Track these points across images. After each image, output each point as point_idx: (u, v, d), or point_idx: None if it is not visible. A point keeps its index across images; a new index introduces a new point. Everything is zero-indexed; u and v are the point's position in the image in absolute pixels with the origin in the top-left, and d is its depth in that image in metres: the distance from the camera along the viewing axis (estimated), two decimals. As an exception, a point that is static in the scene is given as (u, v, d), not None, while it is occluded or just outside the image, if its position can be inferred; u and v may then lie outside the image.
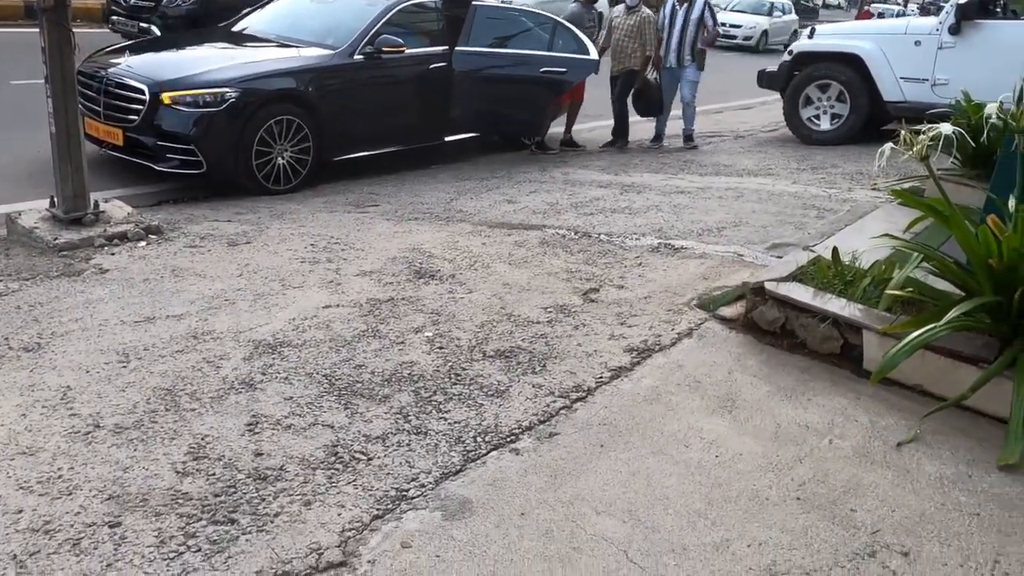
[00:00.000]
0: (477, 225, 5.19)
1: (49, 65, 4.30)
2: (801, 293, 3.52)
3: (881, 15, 27.90)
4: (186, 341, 3.28)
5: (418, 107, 6.98)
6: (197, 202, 5.65)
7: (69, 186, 4.49)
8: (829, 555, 2.24)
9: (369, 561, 2.11)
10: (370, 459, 2.55)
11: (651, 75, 8.31)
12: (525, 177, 6.86)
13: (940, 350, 3.04)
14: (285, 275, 4.06)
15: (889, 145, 3.10)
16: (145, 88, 5.58)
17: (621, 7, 8.40)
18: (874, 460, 2.70)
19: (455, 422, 2.79)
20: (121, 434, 2.60)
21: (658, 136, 8.68)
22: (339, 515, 2.28)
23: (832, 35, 9.03)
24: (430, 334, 3.46)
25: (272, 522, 2.23)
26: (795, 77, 8.81)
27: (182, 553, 2.09)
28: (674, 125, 8.75)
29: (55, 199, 4.56)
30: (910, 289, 3.19)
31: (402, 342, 3.37)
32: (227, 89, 5.63)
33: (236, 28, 7.22)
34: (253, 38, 6.85)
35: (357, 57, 6.39)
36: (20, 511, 2.21)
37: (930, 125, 3.05)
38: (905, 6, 34.49)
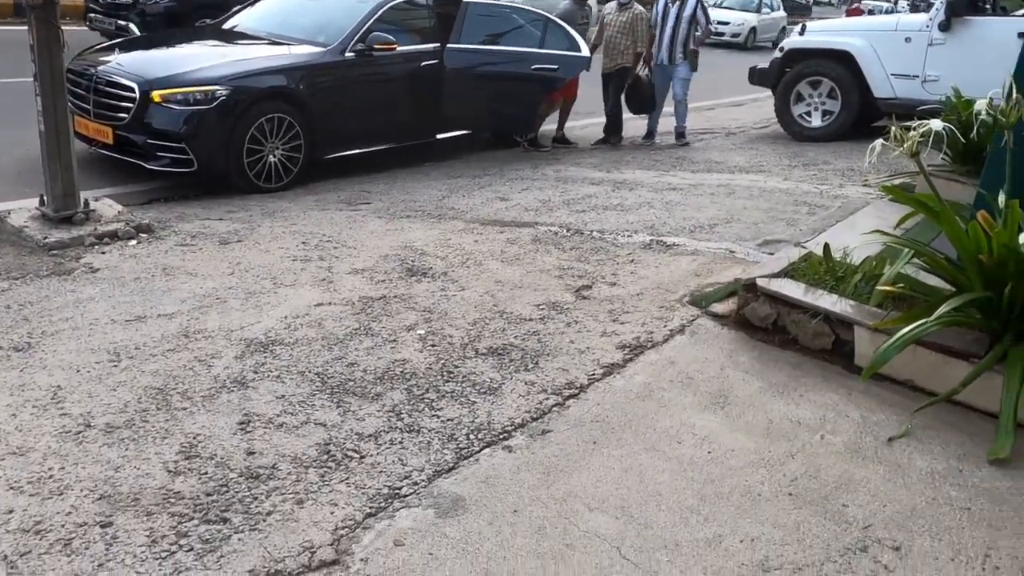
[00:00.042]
0: (469, 223, 5.18)
1: (38, 62, 4.27)
2: (792, 289, 3.52)
3: (871, 12, 27.98)
4: (177, 340, 3.27)
5: (409, 105, 6.97)
6: (188, 200, 5.62)
7: (59, 185, 4.47)
8: (821, 550, 2.25)
9: (362, 559, 2.11)
10: (363, 457, 2.55)
11: (642, 72, 8.32)
12: (517, 174, 6.85)
13: (931, 345, 3.05)
14: (277, 273, 4.05)
15: (880, 141, 3.10)
16: (135, 86, 5.56)
17: (613, 4, 8.40)
18: (866, 455, 2.71)
19: (448, 420, 2.79)
20: (112, 433, 2.59)
21: (650, 133, 8.69)
22: (332, 513, 2.28)
23: (823, 32, 9.05)
24: (422, 332, 3.46)
25: (264, 521, 2.23)
26: (786, 74, 8.83)
27: (174, 552, 2.08)
28: (666, 122, 8.75)
29: (44, 198, 4.54)
30: (901, 285, 3.20)
31: (394, 340, 3.37)
32: (218, 87, 5.60)
33: (227, 26, 7.19)
34: (244, 36, 6.82)
35: (348, 55, 6.37)
36: (11, 511, 2.20)
37: (920, 121, 3.06)
38: (895, 3, 34.56)
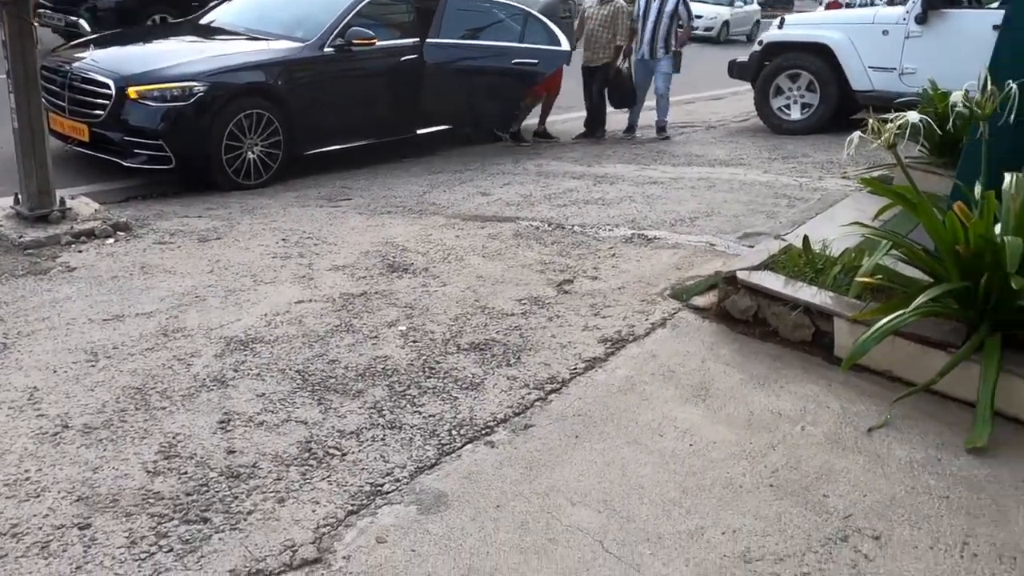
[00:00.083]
0: (450, 218, 5.17)
1: (10, 59, 4.22)
2: (773, 282, 3.54)
3: (850, 5, 28.12)
4: (156, 339, 3.24)
5: (389, 100, 6.94)
6: (166, 198, 5.57)
7: (33, 183, 4.42)
8: (802, 540, 2.27)
9: (344, 557, 2.10)
10: (344, 454, 2.54)
11: (623, 65, 8.33)
12: (498, 169, 6.84)
13: (909, 336, 3.08)
14: (256, 271, 4.02)
15: (857, 134, 3.12)
16: (111, 82, 5.49)
17: (594, -3, 8.40)
18: (846, 446, 2.73)
19: (430, 416, 2.78)
20: (90, 434, 2.56)
21: (631, 127, 8.71)
22: (313, 511, 2.26)
23: (801, 25, 9.09)
24: (404, 328, 3.45)
25: (245, 520, 2.21)
26: (765, 67, 8.86)
27: (153, 553, 2.07)
28: (647, 116, 8.77)
29: (19, 196, 4.48)
30: (879, 276, 3.22)
31: (376, 336, 3.36)
32: (195, 83, 5.55)
33: (204, 21, 7.12)
34: (221, 31, 6.76)
35: (327, 50, 6.33)
36: (-13, 514, 2.18)
37: (897, 114, 3.08)
38: (873, -4, 34.76)
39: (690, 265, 4.31)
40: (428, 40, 6.99)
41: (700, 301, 3.80)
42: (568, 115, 9.10)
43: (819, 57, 8.46)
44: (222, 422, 2.67)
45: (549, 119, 8.60)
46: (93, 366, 3.00)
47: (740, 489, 2.48)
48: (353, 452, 2.55)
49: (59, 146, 5.75)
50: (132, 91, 5.44)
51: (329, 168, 6.48)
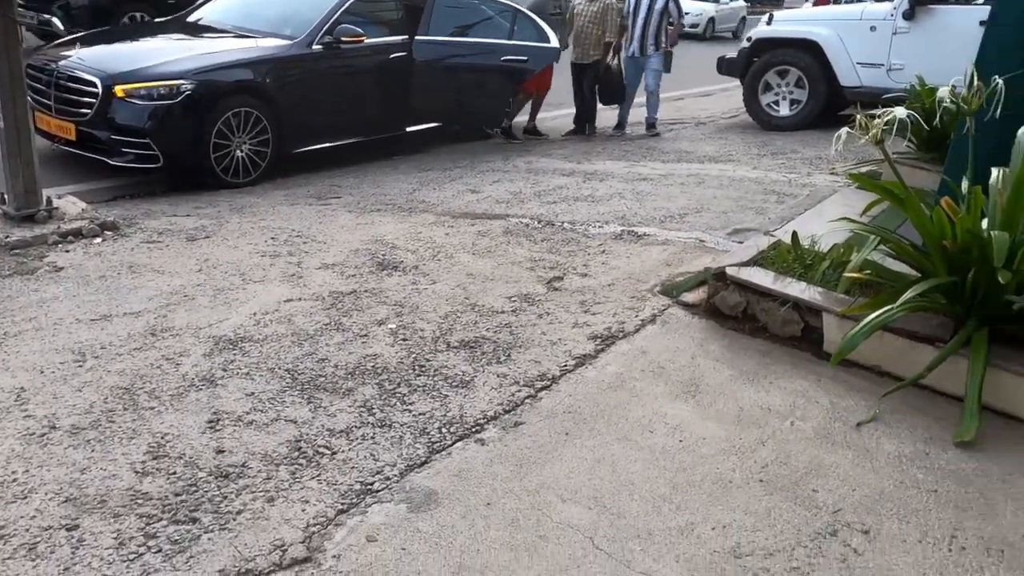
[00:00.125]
0: (440, 215, 5.16)
1: (-5, 58, 4.19)
2: (762, 277, 3.55)
3: (838, 1, 28.19)
4: (144, 338, 3.22)
5: (378, 98, 6.92)
6: (154, 197, 5.55)
7: (20, 182, 4.39)
8: (792, 535, 2.27)
9: (334, 556, 2.10)
10: (334, 453, 2.53)
11: (612, 62, 8.32)
12: (488, 166, 6.84)
13: (897, 331, 3.09)
14: (245, 269, 4.01)
15: (845, 130, 3.13)
16: (97, 81, 5.47)
17: (583, -6, 8.39)
18: (835, 441, 2.74)
19: (420, 414, 2.78)
20: (78, 435, 2.55)
21: (620, 124, 8.71)
22: (303, 511, 2.26)
23: (790, 21, 9.11)
24: (393, 326, 3.44)
25: (235, 520, 2.20)
26: (754, 63, 8.88)
27: (142, 554, 2.06)
28: (637, 113, 8.78)
29: (5, 196, 4.45)
30: (868, 271, 3.23)
31: (365, 335, 3.35)
32: (182, 81, 5.53)
33: (191, 18, 7.09)
34: (209, 28, 6.73)
35: (316, 47, 6.31)
36: (-27, 516, 2.16)
37: (884, 110, 3.09)
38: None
39: (680, 261, 4.32)
40: (417, 37, 6.98)
41: (690, 297, 3.81)
42: (558, 112, 9.10)
43: (808, 53, 8.48)
44: (211, 422, 2.66)
45: (539, 116, 8.59)
46: (81, 366, 2.98)
47: (730, 485, 2.48)
48: (343, 451, 2.55)
49: (46, 145, 5.71)
50: (119, 89, 5.42)
51: (318, 166, 6.46)
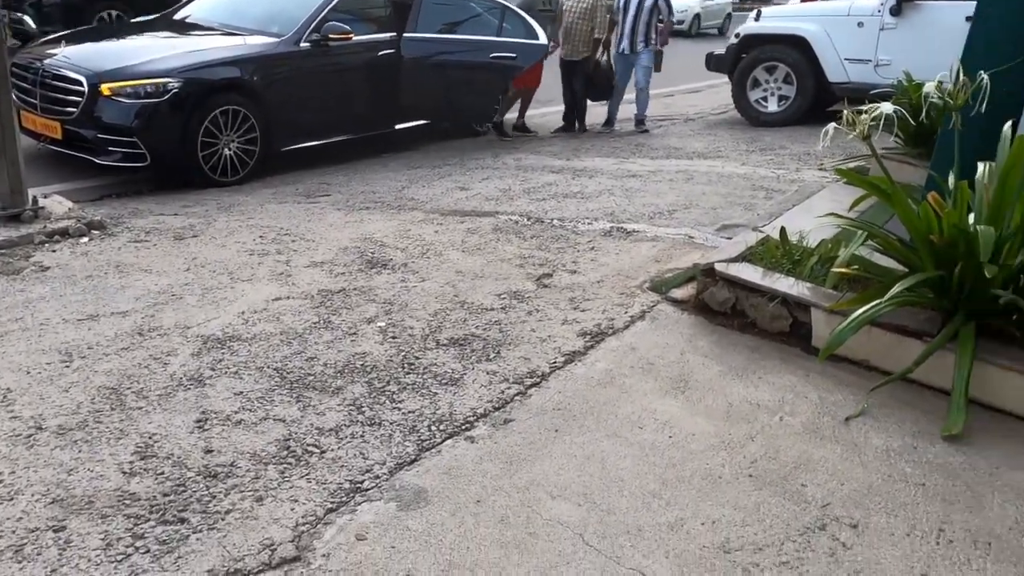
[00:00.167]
0: (429, 213, 5.15)
1: (-21, 56, 4.15)
2: (750, 273, 3.56)
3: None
4: (132, 338, 3.21)
5: (367, 95, 6.90)
6: (142, 196, 5.51)
7: (5, 182, 4.36)
8: (781, 530, 2.28)
9: (323, 555, 2.09)
10: (323, 452, 2.52)
11: (602, 58, 8.32)
12: (477, 164, 6.83)
13: (885, 325, 3.10)
14: (234, 268, 3.99)
15: (832, 125, 3.13)
16: (83, 79, 5.43)
17: (572, -10, 8.38)
18: (823, 435, 2.75)
19: (409, 412, 2.77)
20: (65, 435, 2.53)
21: (609, 121, 8.72)
22: (292, 510, 2.25)
23: (778, 17, 9.13)
24: (383, 324, 3.43)
25: (223, 519, 2.19)
26: (742, 60, 8.90)
27: (130, 555, 2.04)
28: (626, 110, 8.78)
29: (-9, 196, 4.42)
30: (855, 267, 3.25)
31: (354, 333, 3.34)
32: (169, 79, 5.49)
33: (178, 16, 7.05)
34: (196, 26, 6.70)
35: (303, 45, 6.28)
36: (-41, 518, 2.14)
37: (871, 105, 3.10)
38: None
39: (669, 258, 4.32)
40: (405, 35, 6.96)
41: (679, 293, 3.82)
42: (547, 109, 9.10)
43: (796, 49, 8.50)
44: (199, 421, 2.65)
45: (528, 113, 8.59)
46: (67, 366, 2.96)
47: (719, 480, 2.49)
48: (332, 449, 2.54)
49: (31, 144, 5.68)
50: (105, 88, 5.38)
51: (307, 164, 6.44)
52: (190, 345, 3.17)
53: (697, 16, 22.18)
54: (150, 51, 5.89)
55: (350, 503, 2.29)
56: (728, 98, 9.44)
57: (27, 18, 9.84)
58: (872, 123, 3.04)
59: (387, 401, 2.83)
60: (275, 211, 5.09)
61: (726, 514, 2.33)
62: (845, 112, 3.10)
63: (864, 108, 3.10)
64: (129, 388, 2.83)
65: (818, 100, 8.50)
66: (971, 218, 3.03)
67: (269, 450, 2.51)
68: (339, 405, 2.79)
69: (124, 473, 2.37)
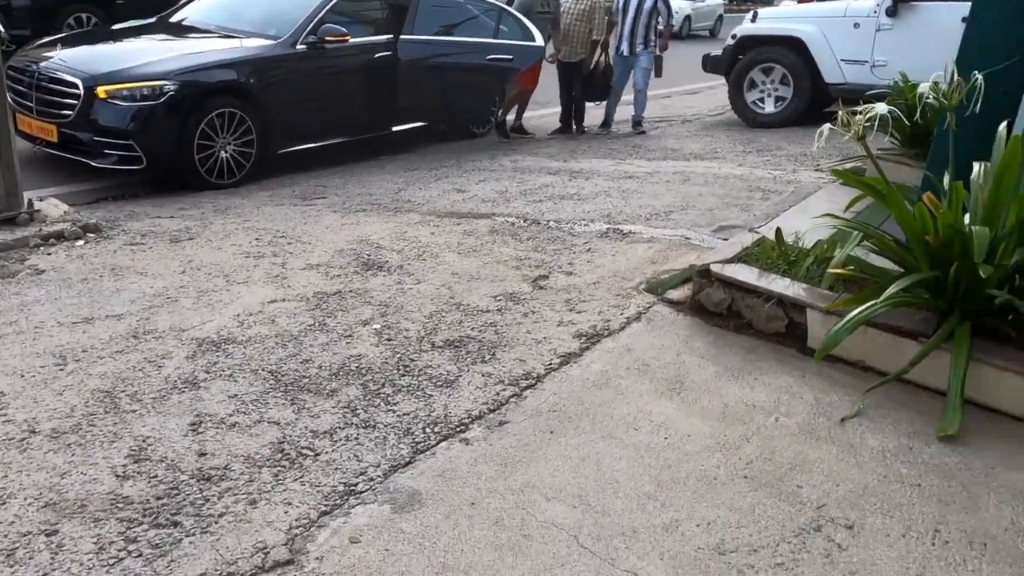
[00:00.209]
0: (426, 215, 5.15)
1: (-27, 59, 4.15)
2: (746, 274, 3.55)
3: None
4: (126, 341, 3.20)
5: (364, 97, 6.89)
6: (138, 198, 5.50)
7: (0, 185, 4.34)
8: (776, 531, 2.28)
9: (317, 558, 2.09)
10: (317, 455, 2.52)
11: (600, 59, 8.31)
12: (474, 166, 6.82)
13: (881, 326, 3.10)
14: (229, 271, 3.98)
15: (827, 126, 3.13)
16: (79, 82, 5.42)
17: (570, -8, 8.38)
18: (819, 436, 2.75)
19: (404, 414, 2.76)
20: (58, 439, 2.52)
21: (607, 122, 8.71)
22: (286, 513, 2.24)
23: (774, 19, 9.13)
24: (378, 326, 3.43)
25: (216, 523, 2.19)
26: (739, 61, 8.90)
27: (122, 559, 2.04)
28: (623, 111, 8.78)
29: (-14, 199, 4.41)
30: (851, 267, 3.24)
31: (350, 335, 3.33)
32: (165, 82, 5.48)
33: (174, 19, 7.04)
34: (192, 29, 6.69)
35: (300, 47, 6.27)
36: (-49, 523, 2.14)
37: (866, 106, 3.10)
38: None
39: (665, 259, 4.32)
40: (402, 37, 6.95)
41: (675, 295, 3.81)
42: (544, 111, 9.10)
43: (792, 51, 8.51)
44: (193, 424, 2.64)
45: (525, 115, 8.58)
46: (62, 370, 2.95)
47: (714, 481, 2.48)
48: (327, 452, 2.53)
49: (27, 147, 5.67)
50: (101, 90, 5.37)
51: (303, 167, 6.44)
52: (185, 348, 3.16)
53: (688, 18, 22.13)
54: (146, 54, 5.88)
55: (344, 506, 2.28)
56: (725, 99, 9.45)
57: None
58: (867, 124, 3.04)
59: (382, 403, 2.83)
60: (271, 213, 5.08)
61: (721, 515, 2.33)
62: (840, 113, 3.10)
63: (859, 109, 3.10)
64: (123, 391, 2.82)
65: (815, 101, 8.50)
66: (967, 218, 3.03)
67: (263, 453, 2.51)
68: (334, 407, 2.79)
69: (117, 476, 2.36)
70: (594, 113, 8.79)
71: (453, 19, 7.57)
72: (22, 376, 2.89)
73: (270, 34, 6.32)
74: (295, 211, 5.17)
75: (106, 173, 5.55)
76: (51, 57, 5.80)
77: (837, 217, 3.38)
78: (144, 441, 2.53)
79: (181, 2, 7.40)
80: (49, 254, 4.13)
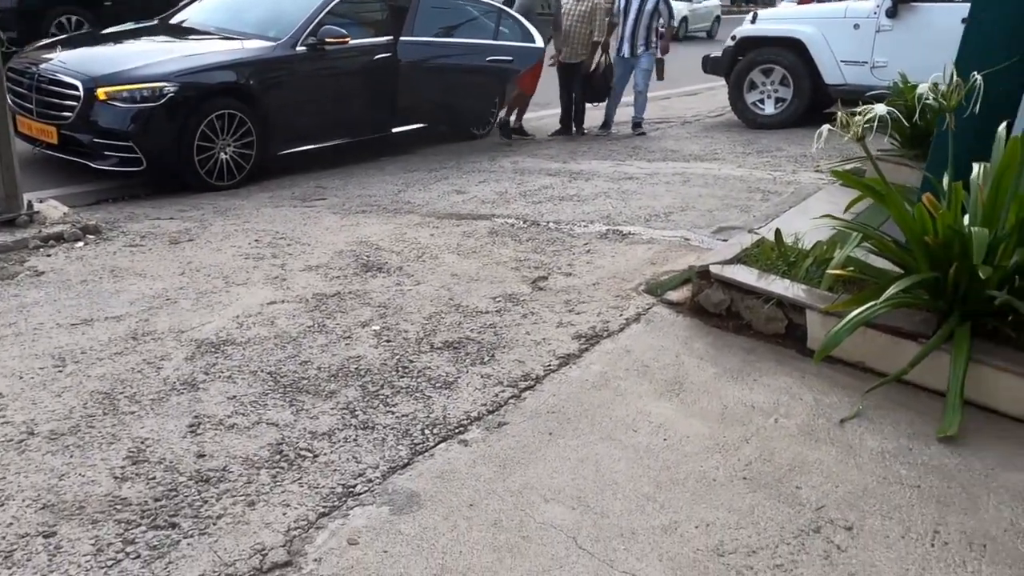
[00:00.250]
0: (425, 216, 5.15)
1: (-27, 61, 4.15)
2: (746, 275, 3.55)
3: (823, -1, 28.19)
4: (125, 343, 3.20)
5: (364, 99, 6.89)
6: (138, 200, 5.51)
7: (0, 187, 4.35)
8: (775, 532, 2.27)
9: (315, 560, 2.08)
10: (316, 456, 2.51)
11: (601, 60, 8.30)
12: (474, 167, 6.82)
13: (880, 327, 3.10)
14: (229, 272, 3.98)
15: (826, 127, 3.13)
16: (79, 84, 5.42)
17: (570, -6, 8.37)
18: (818, 437, 2.74)
19: (403, 415, 2.76)
20: (56, 441, 2.52)
21: (607, 123, 8.71)
22: (284, 514, 2.24)
23: (774, 20, 9.14)
24: (377, 327, 3.42)
25: (215, 524, 2.18)
26: (739, 62, 8.90)
27: (120, 560, 2.03)
28: (623, 112, 8.78)
29: (-15, 200, 4.41)
30: (851, 268, 3.24)
31: (349, 336, 3.33)
32: (165, 83, 5.49)
33: (174, 20, 7.05)
34: (192, 30, 6.69)
35: (300, 48, 6.27)
36: (-51, 524, 2.13)
37: (865, 107, 3.10)
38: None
39: (664, 260, 4.32)
40: (402, 38, 6.95)
41: (674, 296, 3.81)
42: (544, 112, 9.10)
43: (792, 52, 8.50)
44: (192, 426, 2.64)
45: (525, 116, 8.58)
46: (60, 371, 2.95)
47: (714, 483, 2.48)
48: (325, 454, 2.53)
49: (27, 149, 5.67)
50: (101, 92, 5.37)
51: (304, 168, 6.44)
52: (184, 349, 3.16)
53: (684, 19, 22.05)
54: (146, 55, 5.88)
55: (342, 507, 2.28)
56: (725, 101, 9.45)
57: None
58: (866, 125, 3.04)
59: (380, 405, 2.82)
60: (271, 215, 5.08)
61: (720, 517, 2.33)
62: (839, 114, 3.10)
63: (858, 110, 3.10)
64: (122, 393, 2.82)
65: (815, 102, 8.50)
66: (966, 219, 3.03)
67: (262, 454, 2.50)
68: (332, 409, 2.78)
69: (116, 478, 2.36)
70: (594, 114, 8.78)
71: (453, 20, 7.57)
72: (21, 377, 2.89)
73: (270, 36, 6.32)
74: (295, 212, 5.17)
75: (106, 175, 5.55)
76: (51, 59, 5.81)
77: (837, 218, 3.37)
78: (143, 443, 2.53)
79: (181, 3, 7.40)
80: (49, 256, 4.13)
